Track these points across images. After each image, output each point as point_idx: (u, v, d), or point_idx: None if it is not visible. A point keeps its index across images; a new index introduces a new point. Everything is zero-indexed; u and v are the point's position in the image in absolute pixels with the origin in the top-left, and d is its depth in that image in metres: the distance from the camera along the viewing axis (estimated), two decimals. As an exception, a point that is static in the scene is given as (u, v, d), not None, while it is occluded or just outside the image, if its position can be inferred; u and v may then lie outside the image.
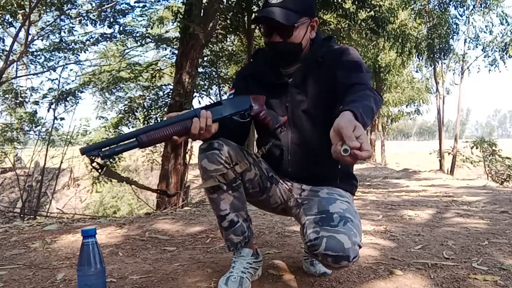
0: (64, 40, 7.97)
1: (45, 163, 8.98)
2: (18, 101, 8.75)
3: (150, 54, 20.05)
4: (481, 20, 13.32)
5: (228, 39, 9.30)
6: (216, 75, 9.63)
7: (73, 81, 9.56)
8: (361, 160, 0.93)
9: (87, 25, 7.37)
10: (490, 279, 1.48)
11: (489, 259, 1.74)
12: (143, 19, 8.64)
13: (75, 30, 7.95)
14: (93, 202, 12.25)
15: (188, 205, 6.12)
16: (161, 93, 8.55)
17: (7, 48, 7.38)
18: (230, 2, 7.12)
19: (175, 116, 1.27)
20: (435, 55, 13.20)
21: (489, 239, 2.09)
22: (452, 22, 13.07)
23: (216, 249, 1.98)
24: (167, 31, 9.51)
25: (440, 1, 12.98)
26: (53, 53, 8.36)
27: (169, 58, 9.57)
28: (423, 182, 6.52)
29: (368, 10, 7.32)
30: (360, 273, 1.55)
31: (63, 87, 9.04)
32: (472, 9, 12.98)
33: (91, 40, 7.86)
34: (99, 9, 7.11)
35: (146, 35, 7.36)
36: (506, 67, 13.81)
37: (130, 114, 8.37)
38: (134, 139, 1.20)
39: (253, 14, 6.97)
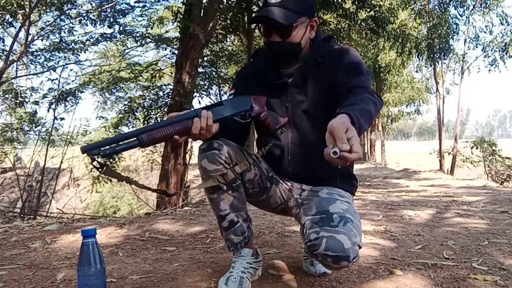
0: (64, 40, 7.98)
1: (45, 163, 8.99)
2: (18, 101, 8.75)
3: (150, 54, 20.10)
4: (481, 20, 13.36)
5: (228, 39, 9.30)
6: (216, 75, 9.64)
7: (73, 81, 9.59)
8: (351, 162, 0.92)
9: (87, 25, 7.39)
10: (490, 279, 1.48)
11: (489, 259, 1.74)
12: (143, 19, 8.67)
13: (75, 30, 7.98)
14: (93, 202, 12.26)
15: (188, 205, 6.12)
16: (161, 93, 8.56)
17: (7, 48, 7.39)
18: (230, 2, 7.12)
19: (176, 116, 1.27)
20: (435, 55, 13.21)
21: (489, 239, 2.09)
22: (452, 22, 13.09)
23: (216, 249, 1.98)
24: (167, 31, 9.51)
25: (440, 1, 12.99)
26: (53, 53, 8.37)
27: (169, 58, 9.59)
28: (423, 182, 6.52)
29: (368, 10, 7.33)
30: (360, 273, 1.55)
31: (63, 87, 9.07)
32: (472, 9, 12.99)
33: (91, 40, 7.87)
34: (99, 9, 7.11)
35: (146, 35, 7.37)
36: (506, 67, 13.85)
37: (130, 114, 8.38)
38: (135, 138, 1.20)
39: (253, 14, 6.96)
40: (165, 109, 7.71)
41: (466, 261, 1.70)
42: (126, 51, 9.86)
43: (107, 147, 1.17)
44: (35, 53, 8.48)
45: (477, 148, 10.84)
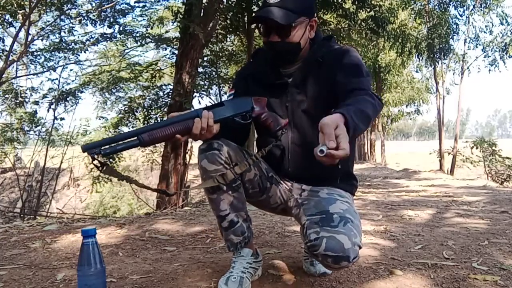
0: (64, 40, 7.98)
1: (45, 163, 8.99)
2: (18, 101, 8.75)
3: (150, 54, 20.09)
4: (481, 20, 13.35)
5: (228, 39, 9.30)
6: (216, 75, 9.63)
7: (73, 81, 9.59)
8: (339, 160, 0.91)
9: (87, 25, 7.39)
10: (490, 279, 1.48)
11: (489, 259, 1.74)
12: (143, 19, 8.66)
13: (75, 30, 7.98)
14: (93, 202, 12.26)
15: (188, 205, 6.12)
16: (161, 93, 8.56)
17: (7, 48, 7.39)
18: (230, 2, 7.12)
19: (176, 116, 1.27)
20: (435, 55, 13.21)
21: (489, 239, 2.10)
22: (452, 22, 13.09)
23: (216, 249, 1.98)
24: (167, 31, 9.51)
25: (440, 1, 12.99)
26: (53, 53, 8.37)
27: (169, 58, 9.59)
28: (423, 182, 6.53)
29: (368, 10, 7.33)
30: (360, 273, 1.55)
31: (63, 87, 9.07)
32: (472, 9, 12.99)
33: (91, 40, 7.86)
34: (99, 9, 7.11)
35: (146, 35, 7.36)
36: (506, 67, 13.84)
37: (130, 114, 8.38)
38: (136, 137, 1.20)
39: (253, 14, 6.95)
40: (165, 109, 7.71)
41: (466, 261, 1.70)
42: (126, 51, 9.87)
43: (108, 146, 1.17)
44: (35, 53, 8.48)
45: (477, 148, 10.85)
